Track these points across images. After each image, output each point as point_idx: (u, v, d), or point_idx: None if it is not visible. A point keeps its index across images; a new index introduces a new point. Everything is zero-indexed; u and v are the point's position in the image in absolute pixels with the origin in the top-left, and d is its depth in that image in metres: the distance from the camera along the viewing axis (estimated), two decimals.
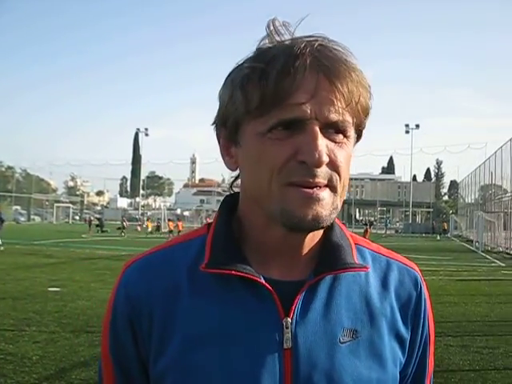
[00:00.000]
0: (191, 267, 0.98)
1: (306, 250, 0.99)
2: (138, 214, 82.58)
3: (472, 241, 39.23)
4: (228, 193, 1.08)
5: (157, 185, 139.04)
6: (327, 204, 0.89)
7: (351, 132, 0.93)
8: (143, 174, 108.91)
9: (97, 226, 45.40)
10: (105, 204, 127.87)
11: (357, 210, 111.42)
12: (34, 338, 7.62)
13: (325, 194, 0.89)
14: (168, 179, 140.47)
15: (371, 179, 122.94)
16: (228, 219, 1.02)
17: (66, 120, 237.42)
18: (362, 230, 39.48)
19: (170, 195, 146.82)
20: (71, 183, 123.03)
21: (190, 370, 0.92)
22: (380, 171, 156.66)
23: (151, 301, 0.97)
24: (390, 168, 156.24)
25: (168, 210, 77.36)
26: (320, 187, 0.89)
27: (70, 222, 74.92)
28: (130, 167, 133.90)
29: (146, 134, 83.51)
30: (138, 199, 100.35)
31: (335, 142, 0.90)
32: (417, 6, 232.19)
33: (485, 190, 45.96)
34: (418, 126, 76.27)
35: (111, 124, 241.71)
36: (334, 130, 0.90)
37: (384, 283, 1.04)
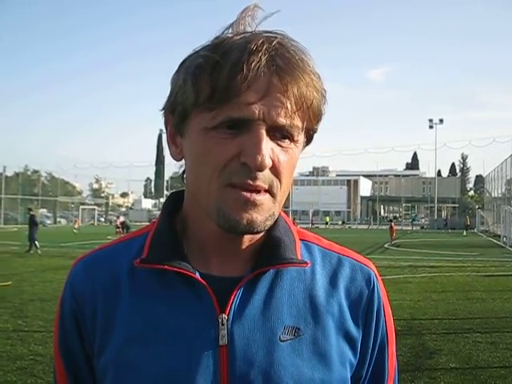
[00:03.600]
0: (131, 264, 0.97)
1: (246, 246, 0.97)
2: None
3: (499, 236, 38.68)
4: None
5: (180, 185, 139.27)
6: (264, 210, 0.88)
7: (299, 137, 0.91)
8: (167, 175, 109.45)
9: (122, 228, 45.78)
10: (129, 205, 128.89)
11: (381, 206, 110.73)
12: None
13: (263, 200, 0.87)
14: None
15: (395, 175, 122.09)
16: (170, 216, 1.01)
17: (88, 122, 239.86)
18: (387, 227, 39.18)
19: None
20: (96, 185, 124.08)
21: (128, 368, 0.92)
22: (404, 167, 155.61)
23: (94, 298, 0.97)
24: (414, 164, 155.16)
25: None
26: (260, 191, 0.87)
27: (96, 224, 75.69)
28: (154, 168, 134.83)
29: None
30: (162, 200, 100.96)
31: (281, 147, 0.88)
32: (437, 12, 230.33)
33: (511, 184, 45.28)
34: (441, 120, 75.55)
35: (134, 125, 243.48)
36: (281, 133, 0.88)
37: (332, 280, 1.00)
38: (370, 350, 1.02)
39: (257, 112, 0.84)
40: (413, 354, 7.11)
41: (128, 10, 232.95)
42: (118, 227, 42.45)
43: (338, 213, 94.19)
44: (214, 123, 0.86)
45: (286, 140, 0.89)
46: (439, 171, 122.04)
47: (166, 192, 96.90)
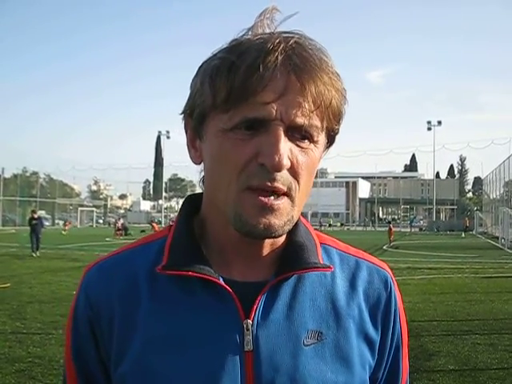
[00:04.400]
0: (150, 270, 0.95)
1: (268, 250, 0.96)
2: (162, 216, 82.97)
3: (498, 237, 38.68)
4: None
5: (179, 187, 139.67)
6: (282, 214, 0.86)
7: (319, 137, 0.89)
8: (166, 177, 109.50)
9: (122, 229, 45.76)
10: (128, 207, 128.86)
11: (380, 208, 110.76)
12: (62, 342, 7.65)
13: (281, 204, 0.86)
14: (190, 181, 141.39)
15: (394, 177, 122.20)
16: (188, 220, 0.99)
17: (87, 123, 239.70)
18: (386, 229, 39.10)
19: None
20: (94, 187, 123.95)
21: (150, 375, 0.90)
22: (403, 169, 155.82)
23: (111, 304, 0.95)
24: (412, 165, 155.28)
25: None
26: (278, 195, 0.85)
27: (94, 226, 75.62)
28: (153, 170, 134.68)
29: (168, 137, 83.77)
30: (160, 202, 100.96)
31: (300, 147, 0.87)
32: (435, 14, 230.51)
33: (510, 186, 45.26)
34: (440, 122, 75.35)
35: (133, 127, 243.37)
36: (300, 134, 0.86)
37: (352, 284, 1.01)
38: (387, 351, 1.03)
39: (274, 111, 0.83)
40: (411, 355, 7.05)
41: (127, 12, 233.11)
42: (120, 229, 42.75)
43: (336, 214, 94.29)
44: (231, 124, 0.85)
45: (306, 140, 0.87)
46: (438, 173, 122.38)
47: (164, 194, 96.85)
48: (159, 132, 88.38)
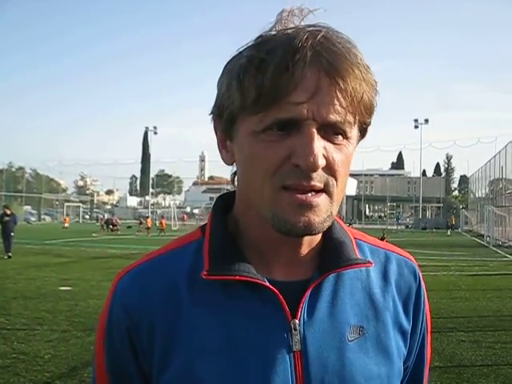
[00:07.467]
0: (189, 275, 0.93)
1: (306, 248, 0.96)
2: (148, 212, 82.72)
3: (483, 235, 38.92)
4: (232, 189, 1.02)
5: (166, 183, 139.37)
6: (321, 211, 0.85)
7: (352, 132, 0.87)
8: (152, 173, 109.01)
9: (107, 225, 45.61)
10: (114, 203, 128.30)
11: (367, 205, 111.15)
12: (46, 337, 7.67)
13: (319, 200, 0.85)
14: (177, 177, 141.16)
15: (380, 175, 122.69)
16: (223, 221, 0.98)
17: (73, 120, 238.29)
18: (372, 227, 39.02)
19: (179, 193, 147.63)
20: (81, 183, 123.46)
21: (198, 382, 0.88)
22: (389, 167, 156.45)
23: (150, 311, 0.92)
24: (399, 163, 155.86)
25: (178, 208, 78.14)
26: (316, 192, 0.84)
27: (81, 222, 75.20)
28: (140, 166, 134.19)
29: (155, 133, 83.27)
30: (147, 198, 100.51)
31: (334, 144, 0.85)
32: (420, 6, 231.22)
33: (495, 185, 45.60)
34: (427, 120, 75.66)
35: (120, 123, 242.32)
36: (333, 130, 0.84)
37: (385, 277, 1.02)
38: (417, 340, 1.06)
39: (305, 111, 0.81)
40: None
41: (127, 8, 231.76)
42: (115, 225, 43.81)
43: None
44: (262, 126, 0.84)
45: (339, 136, 0.86)
46: (424, 171, 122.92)
47: (151, 190, 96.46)
48: (146, 128, 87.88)
